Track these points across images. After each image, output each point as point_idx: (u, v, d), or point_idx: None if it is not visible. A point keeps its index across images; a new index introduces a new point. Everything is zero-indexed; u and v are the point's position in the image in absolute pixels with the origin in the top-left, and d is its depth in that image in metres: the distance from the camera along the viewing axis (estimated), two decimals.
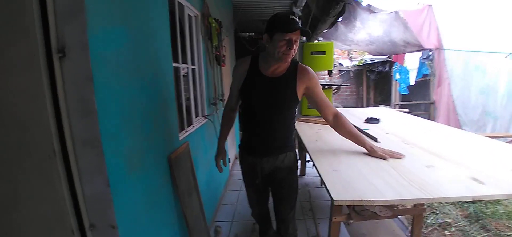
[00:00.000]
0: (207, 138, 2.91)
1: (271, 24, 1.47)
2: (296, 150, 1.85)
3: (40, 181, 1.12)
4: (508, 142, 2.99)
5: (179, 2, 2.27)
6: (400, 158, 1.65)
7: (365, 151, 1.73)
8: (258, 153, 1.72)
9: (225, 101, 1.87)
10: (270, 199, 1.95)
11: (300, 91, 1.62)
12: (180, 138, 2.09)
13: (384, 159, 1.63)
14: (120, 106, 1.28)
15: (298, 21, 1.46)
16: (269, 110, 1.62)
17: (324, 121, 2.78)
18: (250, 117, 1.70)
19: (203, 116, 2.86)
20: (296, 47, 1.48)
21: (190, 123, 2.47)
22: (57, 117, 1.10)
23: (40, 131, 1.08)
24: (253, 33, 7.75)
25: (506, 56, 3.63)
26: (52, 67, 1.07)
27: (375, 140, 2.08)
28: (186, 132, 2.29)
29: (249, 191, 1.96)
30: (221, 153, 1.97)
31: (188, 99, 2.61)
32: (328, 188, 1.23)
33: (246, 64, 1.64)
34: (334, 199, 1.14)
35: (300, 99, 1.66)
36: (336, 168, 1.51)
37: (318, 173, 1.49)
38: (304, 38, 4.37)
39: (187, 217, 1.89)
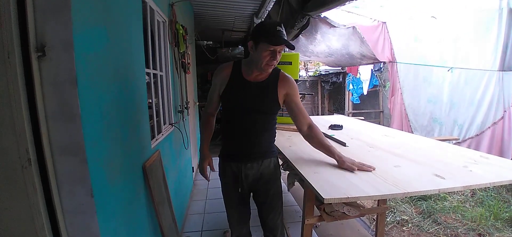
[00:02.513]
0: (174, 146, 2.83)
1: (258, 32, 1.48)
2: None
3: (12, 193, 1.00)
4: (453, 144, 3.36)
5: (150, 7, 2.21)
6: (370, 170, 1.54)
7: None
8: (241, 159, 1.67)
9: (204, 108, 1.79)
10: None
11: (280, 98, 1.64)
12: (152, 146, 2.01)
13: (352, 170, 1.54)
14: (101, 111, 1.21)
15: (284, 32, 1.46)
16: (253, 114, 1.60)
17: (292, 128, 2.90)
18: (232, 123, 1.65)
19: (170, 124, 2.78)
20: (279, 57, 1.50)
21: (159, 131, 2.39)
22: (33, 122, 1.01)
23: (13, 137, 0.98)
24: (211, 42, 7.70)
25: (448, 70, 4.13)
26: (29, 67, 0.98)
27: (343, 144, 2.20)
28: (156, 139, 2.20)
29: (230, 208, 1.80)
30: (207, 157, 1.80)
31: (157, 106, 2.51)
32: (316, 189, 1.28)
33: (229, 69, 1.61)
34: (324, 197, 1.19)
35: (281, 106, 1.67)
36: (316, 170, 1.57)
37: (302, 175, 1.53)
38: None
39: (163, 227, 1.82)
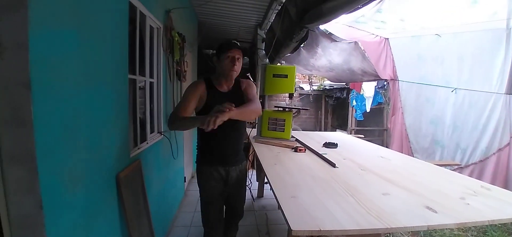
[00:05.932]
0: (162, 155, 2.75)
1: (218, 48, 1.88)
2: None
3: None
4: (453, 170, 3.20)
5: (140, 12, 2.17)
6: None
7: (324, 175, 1.83)
8: (230, 162, 1.95)
9: (175, 112, 1.88)
10: None
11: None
12: (132, 155, 1.94)
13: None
14: (62, 118, 1.14)
15: (237, 43, 1.89)
16: (232, 121, 1.66)
17: (284, 144, 2.81)
18: (217, 132, 1.61)
19: (159, 132, 2.71)
20: (238, 64, 1.85)
21: (144, 139, 2.32)
22: None
23: None
24: (215, 51, 7.69)
25: (452, 91, 3.99)
26: None
27: (333, 165, 2.10)
28: (138, 148, 2.13)
29: (211, 209, 1.99)
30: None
31: (143, 113, 2.45)
32: (287, 217, 1.19)
33: (203, 85, 1.88)
34: (293, 229, 1.10)
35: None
36: (294, 194, 1.47)
37: (276, 199, 1.44)
38: (267, 60, 4.43)
39: None
